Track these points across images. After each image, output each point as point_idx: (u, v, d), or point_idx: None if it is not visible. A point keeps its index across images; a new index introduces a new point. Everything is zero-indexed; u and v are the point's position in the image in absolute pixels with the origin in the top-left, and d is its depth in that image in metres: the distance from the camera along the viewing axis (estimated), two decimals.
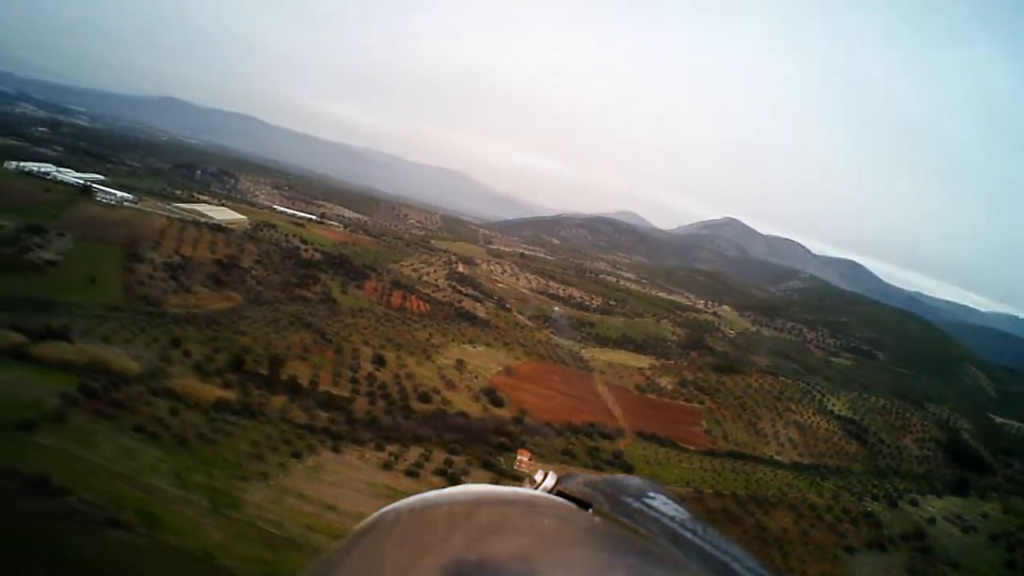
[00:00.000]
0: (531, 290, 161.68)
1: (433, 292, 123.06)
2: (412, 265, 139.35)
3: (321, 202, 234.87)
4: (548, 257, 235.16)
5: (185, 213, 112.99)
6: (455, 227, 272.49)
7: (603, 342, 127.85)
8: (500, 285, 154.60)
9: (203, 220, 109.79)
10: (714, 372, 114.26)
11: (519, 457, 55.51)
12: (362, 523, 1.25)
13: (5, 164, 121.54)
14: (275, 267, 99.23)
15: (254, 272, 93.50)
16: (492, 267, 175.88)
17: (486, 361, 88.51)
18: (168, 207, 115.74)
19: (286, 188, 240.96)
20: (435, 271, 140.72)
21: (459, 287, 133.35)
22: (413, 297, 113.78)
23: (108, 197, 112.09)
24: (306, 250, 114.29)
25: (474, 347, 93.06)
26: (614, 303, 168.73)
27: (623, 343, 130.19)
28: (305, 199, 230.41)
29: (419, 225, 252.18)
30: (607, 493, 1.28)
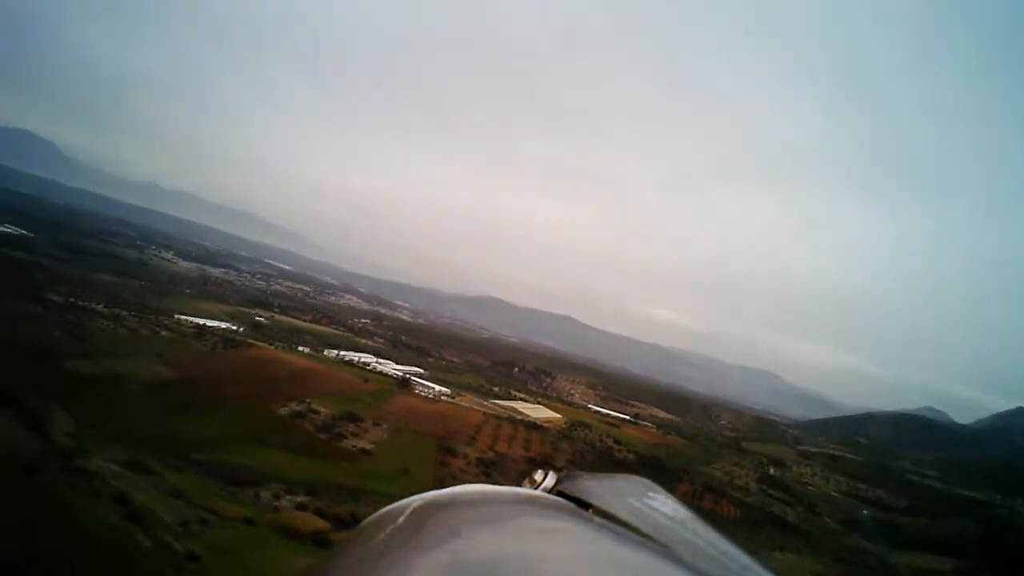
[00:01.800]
0: (840, 492, 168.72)
1: (743, 496, 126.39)
2: (723, 467, 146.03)
3: (634, 402, 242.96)
4: (855, 457, 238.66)
5: (501, 410, 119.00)
6: (764, 427, 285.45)
7: (908, 545, 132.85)
8: (810, 488, 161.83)
9: (519, 417, 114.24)
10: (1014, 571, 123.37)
11: None
12: (364, 522, 1.29)
13: (326, 352, 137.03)
14: (587, 467, 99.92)
15: (566, 472, 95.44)
16: (802, 469, 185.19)
17: (796, 570, 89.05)
18: (485, 403, 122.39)
19: (600, 387, 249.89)
20: (746, 473, 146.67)
21: (769, 490, 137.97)
22: (724, 501, 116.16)
23: (426, 390, 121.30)
24: (619, 450, 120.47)
25: (783, 554, 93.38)
26: (917, 503, 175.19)
27: (926, 545, 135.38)
28: (619, 398, 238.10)
29: (729, 426, 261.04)
30: (607, 493, 1.31)
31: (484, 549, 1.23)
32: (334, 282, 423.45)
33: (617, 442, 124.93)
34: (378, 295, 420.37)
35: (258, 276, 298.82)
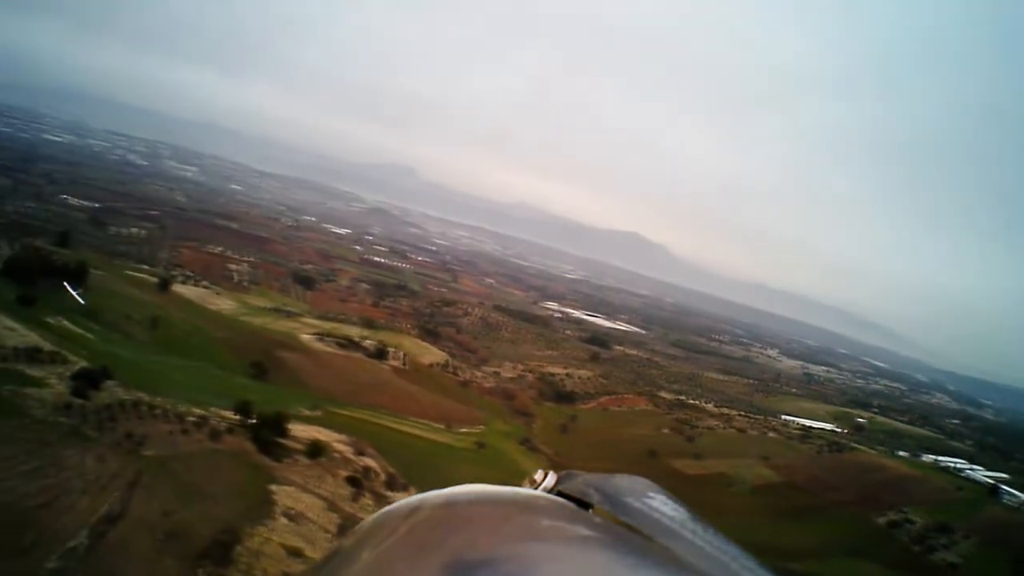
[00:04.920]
0: None
1: None
2: None
3: None
4: None
5: None
6: None
7: None
8: None
9: None
10: None
11: None
12: (363, 523, 1.36)
13: (923, 456, 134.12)
14: None
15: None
16: None
17: None
18: None
19: None
20: None
21: None
22: None
23: (1013, 499, 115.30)
24: None
25: None
26: None
27: None
28: None
29: None
30: (607, 493, 1.36)
31: (484, 549, 1.15)
32: (924, 379, 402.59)
33: None
34: (965, 392, 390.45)
35: (856, 374, 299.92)
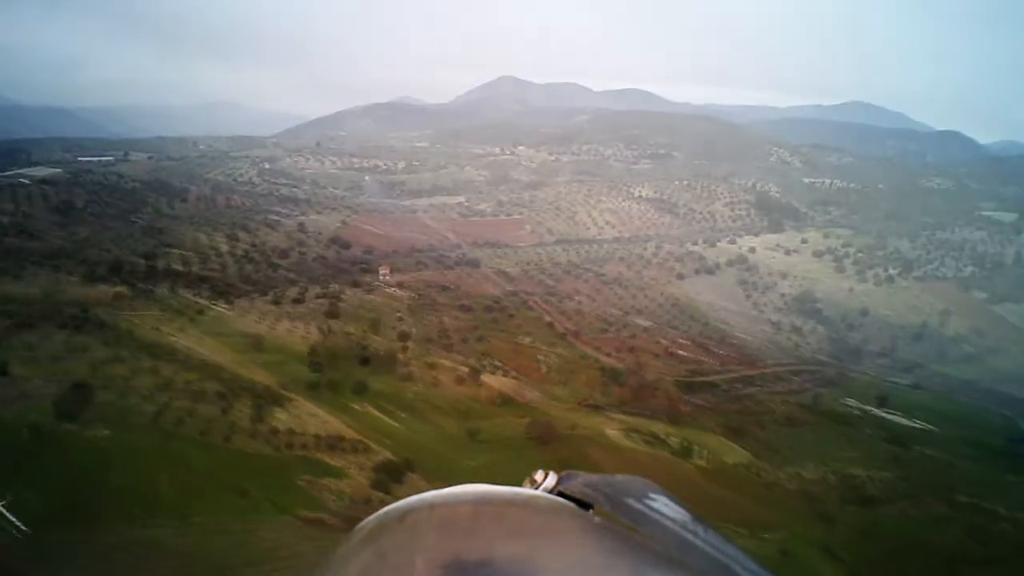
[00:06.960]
0: None
1: None
2: None
3: None
4: None
5: None
6: None
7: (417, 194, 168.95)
8: None
9: None
10: (526, 190, 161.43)
11: None
12: (362, 523, 1.25)
13: None
14: None
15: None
16: None
17: None
18: None
19: None
20: None
21: None
22: None
23: None
24: None
25: None
26: (417, 163, 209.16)
27: (434, 191, 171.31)
28: None
29: None
30: (608, 493, 1.25)
31: (483, 550, 1.10)
32: None
33: None
34: None
35: None
